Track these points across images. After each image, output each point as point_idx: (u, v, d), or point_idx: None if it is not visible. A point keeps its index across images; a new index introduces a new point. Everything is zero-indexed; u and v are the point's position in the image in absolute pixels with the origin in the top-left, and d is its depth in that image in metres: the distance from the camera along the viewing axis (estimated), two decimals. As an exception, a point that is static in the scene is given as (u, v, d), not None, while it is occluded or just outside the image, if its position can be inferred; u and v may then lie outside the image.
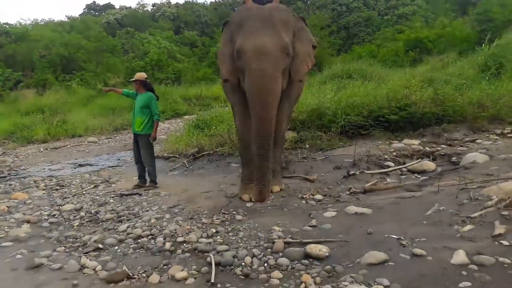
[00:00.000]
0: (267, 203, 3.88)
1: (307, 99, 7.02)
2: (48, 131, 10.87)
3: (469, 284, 2.08)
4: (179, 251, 2.92)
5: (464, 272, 2.19)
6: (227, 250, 2.81)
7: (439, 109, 6.04)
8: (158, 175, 5.14)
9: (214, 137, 6.87)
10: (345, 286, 2.22)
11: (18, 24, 28.91)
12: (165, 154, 6.93)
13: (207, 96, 15.53)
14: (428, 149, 5.25)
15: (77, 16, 38.11)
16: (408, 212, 3.21)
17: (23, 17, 75.28)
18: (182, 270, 2.59)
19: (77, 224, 3.75)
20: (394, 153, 5.21)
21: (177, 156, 6.72)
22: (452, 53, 13.23)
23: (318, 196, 4.04)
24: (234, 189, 4.47)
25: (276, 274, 2.44)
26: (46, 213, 4.11)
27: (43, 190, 5.24)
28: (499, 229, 2.58)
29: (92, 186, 5.27)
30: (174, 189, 4.74)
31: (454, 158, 4.73)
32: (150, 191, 4.78)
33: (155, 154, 5.37)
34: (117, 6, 40.22)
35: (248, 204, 3.96)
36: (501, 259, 2.26)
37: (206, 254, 2.80)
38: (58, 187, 5.34)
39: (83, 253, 2.98)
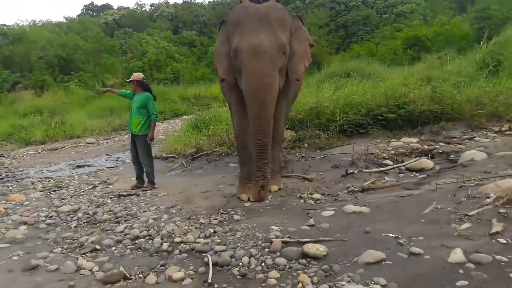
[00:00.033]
0: (265, 203, 3.87)
1: (305, 98, 7.02)
2: (46, 132, 10.82)
3: (466, 282, 2.07)
4: (177, 251, 2.91)
5: (461, 271, 2.18)
6: (224, 250, 2.79)
7: (437, 107, 6.04)
8: (156, 176, 5.12)
9: (213, 137, 6.87)
10: (342, 285, 2.21)
11: (15, 25, 29.05)
12: (164, 154, 6.92)
13: (205, 96, 15.53)
14: (426, 147, 5.26)
15: (75, 16, 38.22)
16: (406, 211, 3.20)
17: (21, 18, 74.34)
18: (179, 271, 2.57)
19: (74, 225, 3.73)
20: (393, 152, 5.21)
21: (176, 156, 6.71)
22: (451, 51, 13.22)
23: (317, 195, 4.05)
24: (233, 189, 4.46)
25: (274, 274, 2.43)
26: (43, 214, 4.09)
27: (41, 191, 5.22)
28: (497, 227, 2.57)
29: (90, 187, 5.26)
30: (172, 190, 4.73)
31: (452, 156, 4.74)
32: (148, 191, 4.77)
33: (153, 155, 5.35)
34: (115, 7, 40.31)
35: (247, 204, 3.95)
36: (498, 257, 2.25)
37: (204, 254, 2.79)
38: (56, 188, 5.33)
39: (80, 254, 2.97)
